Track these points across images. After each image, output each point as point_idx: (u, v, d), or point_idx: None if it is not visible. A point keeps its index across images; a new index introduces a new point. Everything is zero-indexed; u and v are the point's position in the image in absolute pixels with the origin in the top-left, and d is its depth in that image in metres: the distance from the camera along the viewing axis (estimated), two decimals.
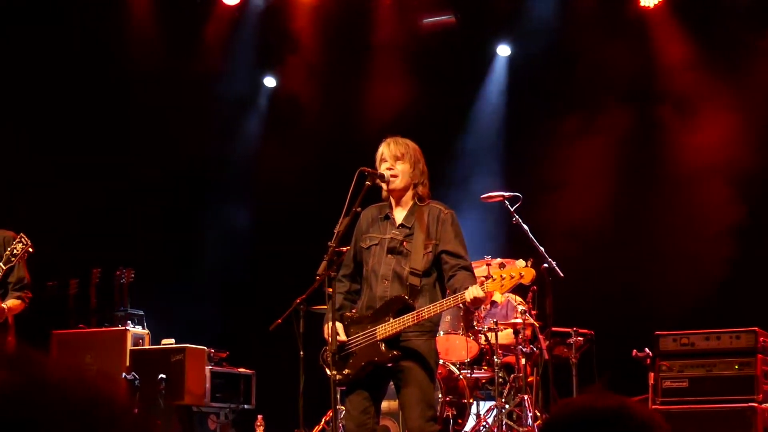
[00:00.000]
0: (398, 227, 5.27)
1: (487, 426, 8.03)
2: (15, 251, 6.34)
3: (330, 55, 11.02)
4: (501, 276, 4.95)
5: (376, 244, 5.28)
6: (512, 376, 8.03)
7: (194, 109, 11.04)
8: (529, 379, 7.99)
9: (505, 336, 8.24)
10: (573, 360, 7.82)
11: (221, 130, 11.56)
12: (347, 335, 5.21)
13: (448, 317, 8.19)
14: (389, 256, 5.22)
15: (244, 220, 11.52)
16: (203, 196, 11.47)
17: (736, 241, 9.20)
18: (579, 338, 7.97)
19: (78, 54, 10.50)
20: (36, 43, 10.38)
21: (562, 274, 7.17)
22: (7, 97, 10.15)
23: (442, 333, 8.05)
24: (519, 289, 7.46)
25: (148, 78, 10.72)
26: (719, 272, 9.07)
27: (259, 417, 8.98)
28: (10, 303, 6.57)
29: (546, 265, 7.10)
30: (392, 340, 5.09)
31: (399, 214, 5.32)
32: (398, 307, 5.09)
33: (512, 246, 8.28)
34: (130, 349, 9.25)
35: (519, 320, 7.94)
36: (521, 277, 4.97)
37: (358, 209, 5.18)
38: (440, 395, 7.72)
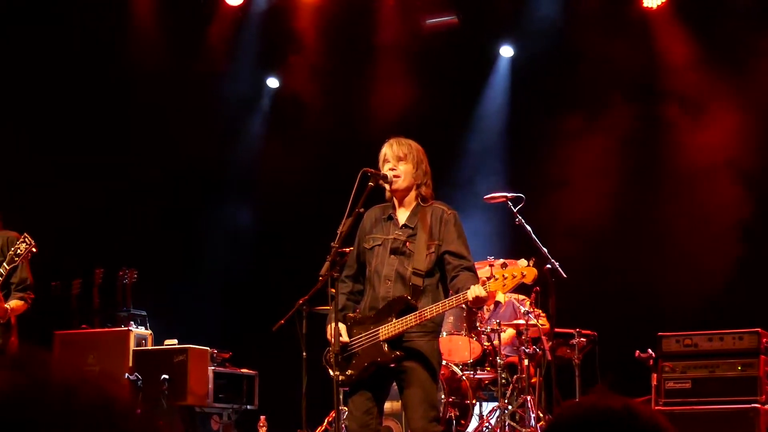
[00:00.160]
0: (401, 228, 5.27)
1: (489, 427, 8.02)
2: (18, 251, 6.34)
3: (333, 55, 11.02)
4: (503, 276, 4.95)
5: (379, 245, 5.28)
6: (515, 377, 8.03)
7: (197, 110, 11.05)
8: (532, 380, 7.99)
9: (509, 336, 8.25)
10: (576, 361, 7.82)
11: (224, 131, 11.57)
12: (350, 336, 5.21)
13: (451, 318, 8.19)
14: (392, 256, 5.22)
15: (247, 221, 11.52)
16: (206, 196, 11.48)
17: (740, 240, 9.19)
18: (582, 339, 7.97)
19: (79, 54, 10.51)
20: (36, 43, 10.39)
21: (565, 275, 7.16)
22: (7, 97, 10.16)
23: (445, 334, 8.04)
24: (523, 290, 7.47)
25: (150, 78, 10.72)
26: (723, 272, 9.06)
27: (262, 418, 8.98)
28: (13, 304, 6.57)
29: (549, 266, 7.09)
30: (395, 341, 5.09)
31: (402, 215, 5.31)
32: (401, 307, 5.09)
33: (515, 247, 8.28)
34: (133, 350, 9.25)
35: (522, 321, 7.95)
36: (523, 276, 4.97)
37: (361, 210, 5.18)
38: (443, 396, 7.72)
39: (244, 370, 9.65)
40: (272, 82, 11.70)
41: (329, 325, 5.19)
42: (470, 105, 10.93)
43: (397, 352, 5.07)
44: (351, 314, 5.29)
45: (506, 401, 7.85)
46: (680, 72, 9.79)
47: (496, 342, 7.97)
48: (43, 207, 9.90)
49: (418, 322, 5.02)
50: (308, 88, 11.14)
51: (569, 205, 9.69)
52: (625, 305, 9.44)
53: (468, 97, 10.96)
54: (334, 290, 5.19)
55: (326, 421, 8.20)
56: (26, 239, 6.37)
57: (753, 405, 6.93)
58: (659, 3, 9.80)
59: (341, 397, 6.12)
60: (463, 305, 5.62)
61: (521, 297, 8.32)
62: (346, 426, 5.45)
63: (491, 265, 7.62)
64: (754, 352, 7.08)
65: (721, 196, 9.35)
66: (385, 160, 5.28)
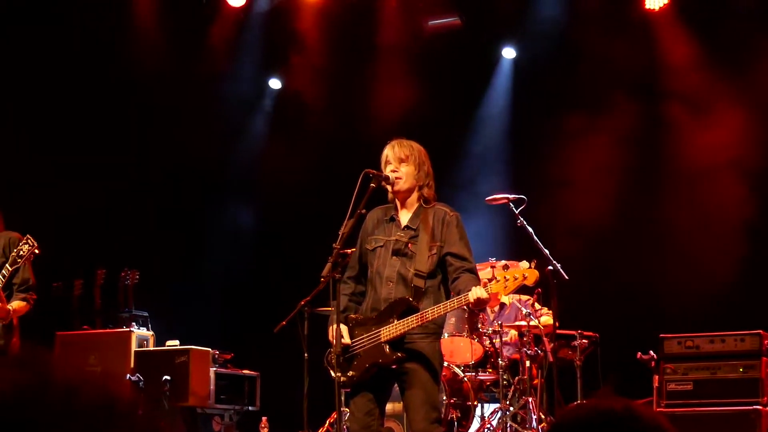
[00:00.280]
0: (403, 229, 5.27)
1: (491, 428, 8.02)
2: (21, 253, 6.34)
3: (335, 56, 11.02)
4: (505, 277, 4.96)
5: (381, 246, 5.28)
6: (517, 378, 8.02)
7: (199, 110, 11.06)
8: (533, 382, 7.99)
9: (514, 337, 8.25)
10: (577, 362, 7.82)
11: (226, 131, 11.58)
12: (352, 337, 5.21)
13: (453, 319, 8.19)
14: (394, 257, 5.22)
15: (249, 222, 11.53)
16: (208, 197, 11.48)
17: (743, 241, 9.18)
18: (584, 341, 7.97)
19: (80, 54, 10.51)
20: (37, 44, 10.40)
21: (566, 277, 7.16)
22: (8, 97, 10.18)
23: (446, 335, 8.04)
24: (524, 291, 7.46)
25: (152, 79, 10.73)
26: (726, 273, 9.05)
27: (264, 419, 8.98)
28: (15, 305, 6.57)
29: (550, 267, 7.09)
30: (396, 342, 5.09)
31: (404, 216, 5.32)
32: (402, 308, 5.09)
33: (517, 248, 8.28)
34: (135, 351, 9.26)
35: (524, 323, 7.95)
36: (525, 278, 4.97)
37: (363, 211, 5.19)
38: (444, 397, 7.72)
39: (246, 371, 9.66)
40: (274, 83, 11.71)
41: (331, 327, 5.19)
42: (472, 106, 10.93)
43: (399, 354, 5.07)
44: (353, 315, 5.29)
45: (508, 403, 7.85)
46: (683, 72, 9.78)
47: (497, 341, 7.97)
48: (45, 207, 9.91)
49: (420, 323, 5.02)
50: (310, 88, 11.14)
51: (571, 206, 9.69)
52: (627, 306, 9.44)
53: (470, 98, 10.96)
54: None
55: (328, 422, 8.20)
56: (29, 241, 6.37)
57: (754, 407, 6.93)
58: (661, 5, 9.80)
59: (343, 398, 6.12)
60: (465, 307, 5.61)
61: (525, 298, 8.31)
62: (347, 427, 5.45)
63: (493, 267, 7.61)
64: (756, 353, 7.08)
65: (723, 196, 9.33)
66: (387, 162, 5.28)
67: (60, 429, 1.14)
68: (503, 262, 7.56)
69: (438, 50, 10.81)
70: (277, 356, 8.87)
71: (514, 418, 7.85)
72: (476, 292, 4.86)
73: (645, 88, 10.07)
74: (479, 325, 8.20)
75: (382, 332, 5.09)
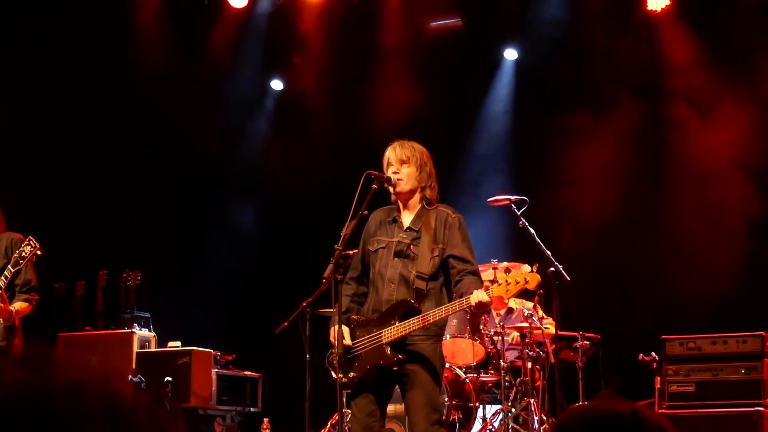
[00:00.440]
0: (406, 230, 5.27)
1: (493, 430, 8.02)
2: (23, 254, 6.34)
3: (337, 57, 11.02)
4: (506, 281, 4.95)
5: (384, 247, 5.28)
6: (519, 379, 8.02)
7: (201, 112, 11.07)
8: (535, 383, 7.99)
9: (516, 337, 8.25)
10: (579, 364, 7.82)
11: (228, 133, 11.58)
12: (353, 338, 5.21)
13: (455, 321, 8.19)
14: (396, 259, 5.22)
15: (251, 223, 11.53)
16: (210, 198, 11.48)
17: (745, 243, 9.17)
18: (585, 342, 7.96)
19: (82, 54, 10.51)
20: (38, 44, 10.41)
21: (568, 278, 7.16)
22: (9, 97, 10.18)
23: (448, 336, 8.05)
24: (526, 292, 7.46)
25: (154, 79, 10.73)
26: (729, 275, 9.04)
27: (265, 420, 8.98)
28: (18, 306, 6.58)
29: (552, 269, 7.09)
30: (398, 344, 5.09)
31: (406, 218, 5.32)
32: (404, 310, 5.09)
33: (519, 249, 8.28)
34: (137, 352, 9.26)
35: (526, 324, 7.95)
36: (526, 282, 4.97)
37: (365, 212, 5.18)
38: (446, 399, 7.72)
39: (248, 373, 9.65)
40: (276, 84, 11.71)
41: (332, 328, 5.19)
42: (475, 108, 10.93)
43: (400, 356, 5.08)
44: (354, 317, 5.29)
45: (510, 404, 7.85)
46: (686, 72, 9.76)
47: (498, 338, 7.97)
48: (46, 208, 9.92)
49: (422, 325, 5.03)
50: (312, 89, 11.14)
51: (573, 208, 9.68)
52: (629, 308, 9.43)
53: (472, 99, 10.96)
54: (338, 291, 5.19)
55: (329, 423, 8.20)
56: (31, 242, 6.37)
57: (757, 408, 6.92)
58: (663, 6, 9.80)
59: (344, 399, 6.12)
60: (467, 309, 5.61)
61: (529, 304, 8.30)
62: (349, 428, 5.45)
63: (495, 268, 7.63)
64: (758, 355, 7.07)
65: (728, 196, 9.31)
66: (389, 163, 5.28)
67: (66, 425, 1.14)
68: (505, 264, 7.57)
69: (440, 51, 10.81)
70: (278, 357, 8.89)
71: (515, 419, 7.85)
72: (478, 296, 4.86)
73: (648, 88, 10.06)
74: (481, 327, 8.20)
75: (383, 334, 5.09)
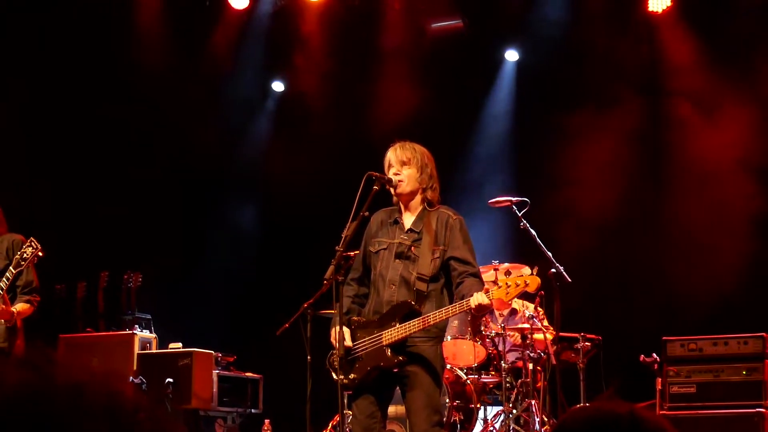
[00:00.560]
0: (407, 232, 5.27)
1: (494, 431, 8.02)
2: (25, 255, 6.35)
3: (338, 58, 11.03)
4: (506, 283, 4.95)
5: (385, 249, 5.28)
6: (520, 381, 8.02)
7: (202, 112, 11.07)
8: (536, 384, 7.98)
9: (517, 338, 8.25)
10: (580, 365, 7.81)
11: (229, 134, 11.58)
12: (354, 340, 5.21)
13: (456, 322, 8.19)
14: (397, 260, 5.22)
15: (252, 224, 11.54)
16: (211, 199, 11.49)
17: (747, 244, 9.16)
18: (586, 343, 7.96)
19: (82, 54, 10.51)
20: (38, 44, 10.41)
21: (569, 279, 7.16)
22: (9, 97, 10.18)
23: (449, 338, 8.05)
24: (527, 294, 7.45)
25: (156, 80, 10.73)
26: (730, 276, 9.03)
27: (266, 421, 8.98)
28: (19, 307, 6.58)
29: (553, 270, 7.09)
30: (398, 346, 5.09)
31: (408, 219, 5.32)
32: (405, 312, 5.09)
33: (520, 251, 8.28)
34: (138, 353, 9.25)
35: (527, 325, 7.94)
36: (527, 285, 4.97)
37: (366, 213, 5.18)
38: (447, 400, 7.71)
39: (249, 374, 9.65)
40: (277, 85, 11.71)
41: (333, 329, 5.20)
42: (476, 109, 10.93)
43: (400, 357, 5.08)
44: (355, 318, 5.29)
45: (511, 405, 7.84)
46: (687, 72, 9.76)
47: (498, 333, 7.97)
48: (46, 208, 9.92)
49: (422, 327, 5.02)
50: (313, 91, 11.14)
51: (574, 208, 9.68)
52: (630, 309, 9.43)
53: (473, 100, 10.96)
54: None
55: (330, 424, 8.20)
56: (33, 243, 6.38)
57: (758, 409, 6.92)
58: (664, 7, 9.80)
59: (345, 400, 6.12)
60: (467, 311, 5.62)
61: (532, 306, 8.29)
62: (350, 430, 5.45)
63: (496, 270, 7.62)
64: (759, 356, 7.07)
65: (729, 197, 9.30)
66: (390, 165, 5.29)
67: (67, 426, 1.14)
68: (506, 265, 7.57)
69: (441, 53, 10.81)
70: (279, 359, 8.89)
71: (517, 420, 7.85)
72: (478, 298, 4.86)
73: (649, 89, 10.06)
74: (482, 328, 8.20)
75: (383, 335, 5.09)
